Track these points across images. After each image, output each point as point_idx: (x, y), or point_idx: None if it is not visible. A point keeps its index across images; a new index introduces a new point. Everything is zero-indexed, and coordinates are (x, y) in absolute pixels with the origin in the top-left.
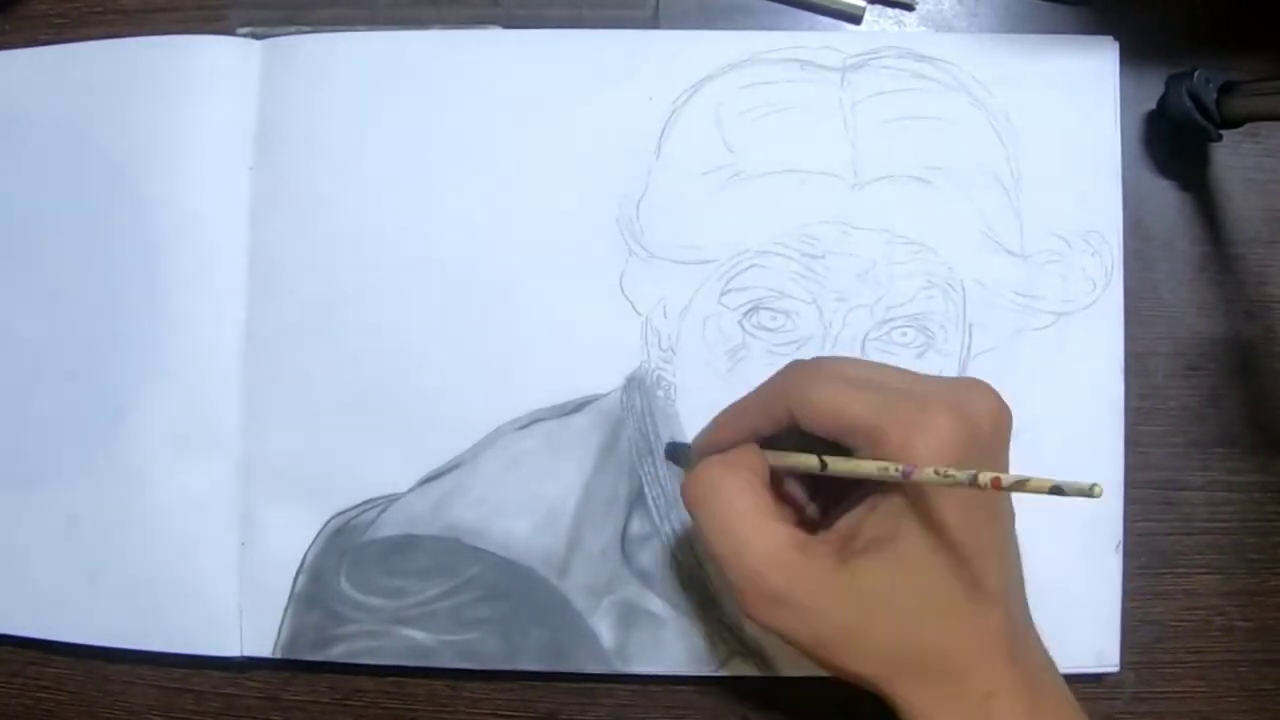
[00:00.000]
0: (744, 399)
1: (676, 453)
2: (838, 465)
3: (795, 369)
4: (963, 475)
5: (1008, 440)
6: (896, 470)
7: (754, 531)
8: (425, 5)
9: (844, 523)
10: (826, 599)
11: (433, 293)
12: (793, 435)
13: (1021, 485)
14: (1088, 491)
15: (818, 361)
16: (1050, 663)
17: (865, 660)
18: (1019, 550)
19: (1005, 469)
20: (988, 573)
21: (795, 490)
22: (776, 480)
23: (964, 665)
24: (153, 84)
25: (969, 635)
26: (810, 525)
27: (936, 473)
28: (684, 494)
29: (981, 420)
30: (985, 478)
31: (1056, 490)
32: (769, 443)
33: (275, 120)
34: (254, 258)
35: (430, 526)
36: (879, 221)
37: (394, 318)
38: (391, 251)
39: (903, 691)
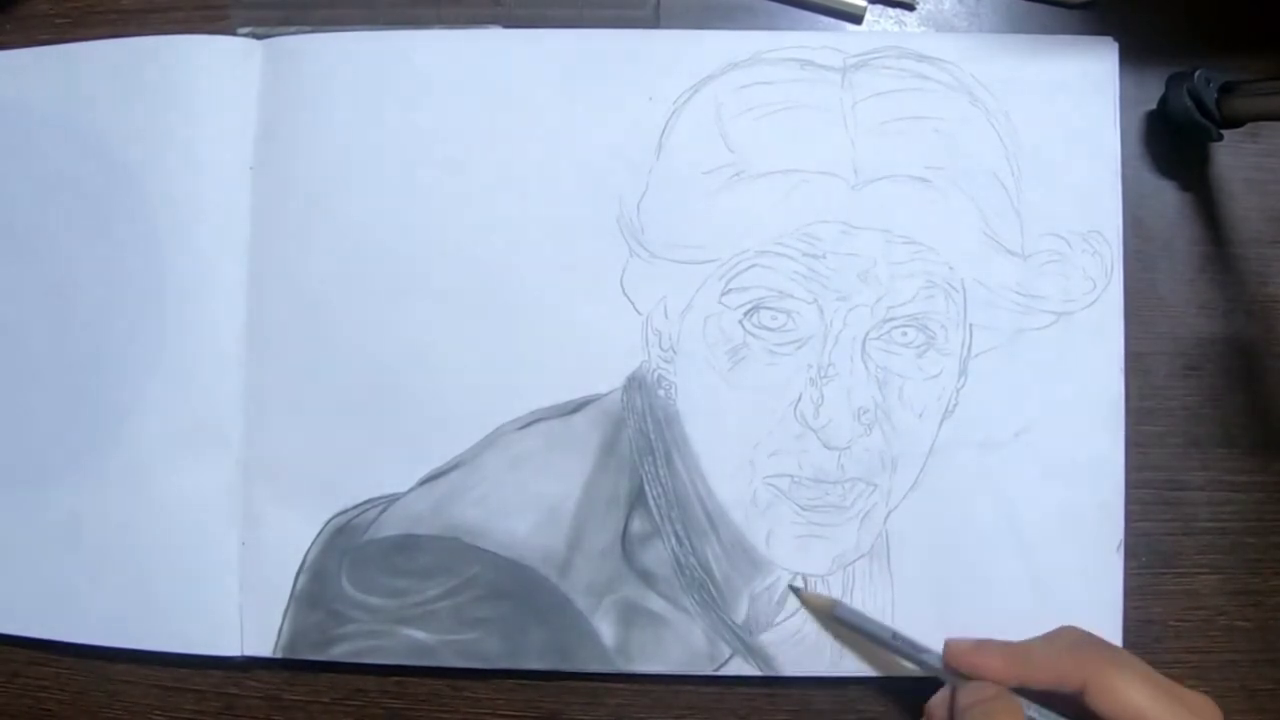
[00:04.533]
0: (1029, 649)
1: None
2: None
3: (1093, 650)
4: None
5: None
6: None
7: None
8: (425, 5)
9: None
10: None
11: (433, 293)
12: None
13: None
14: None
15: (1115, 648)
16: None
17: None
18: None
19: None
20: None
21: None
22: None
23: None
24: (153, 84)
25: None
26: None
27: None
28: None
29: None
30: None
31: None
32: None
33: (275, 120)
34: (254, 258)
35: (431, 526)
36: (879, 221)
37: (394, 318)
38: (391, 251)
39: None
